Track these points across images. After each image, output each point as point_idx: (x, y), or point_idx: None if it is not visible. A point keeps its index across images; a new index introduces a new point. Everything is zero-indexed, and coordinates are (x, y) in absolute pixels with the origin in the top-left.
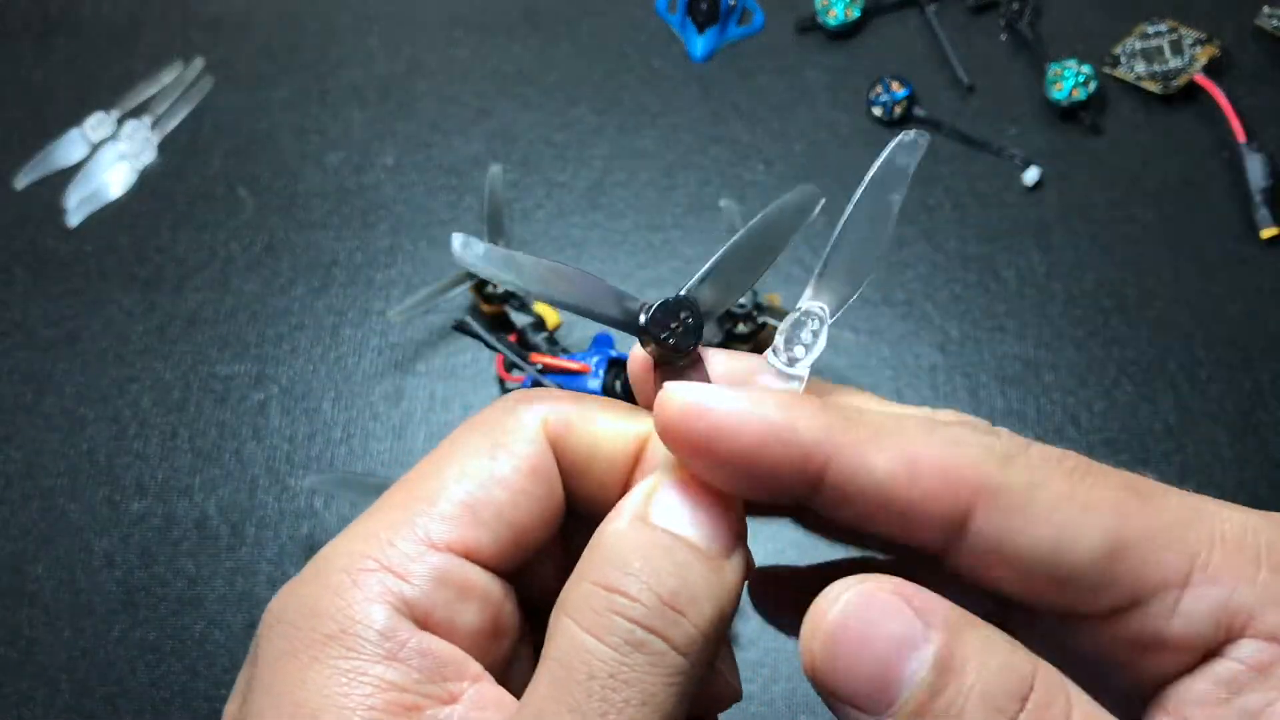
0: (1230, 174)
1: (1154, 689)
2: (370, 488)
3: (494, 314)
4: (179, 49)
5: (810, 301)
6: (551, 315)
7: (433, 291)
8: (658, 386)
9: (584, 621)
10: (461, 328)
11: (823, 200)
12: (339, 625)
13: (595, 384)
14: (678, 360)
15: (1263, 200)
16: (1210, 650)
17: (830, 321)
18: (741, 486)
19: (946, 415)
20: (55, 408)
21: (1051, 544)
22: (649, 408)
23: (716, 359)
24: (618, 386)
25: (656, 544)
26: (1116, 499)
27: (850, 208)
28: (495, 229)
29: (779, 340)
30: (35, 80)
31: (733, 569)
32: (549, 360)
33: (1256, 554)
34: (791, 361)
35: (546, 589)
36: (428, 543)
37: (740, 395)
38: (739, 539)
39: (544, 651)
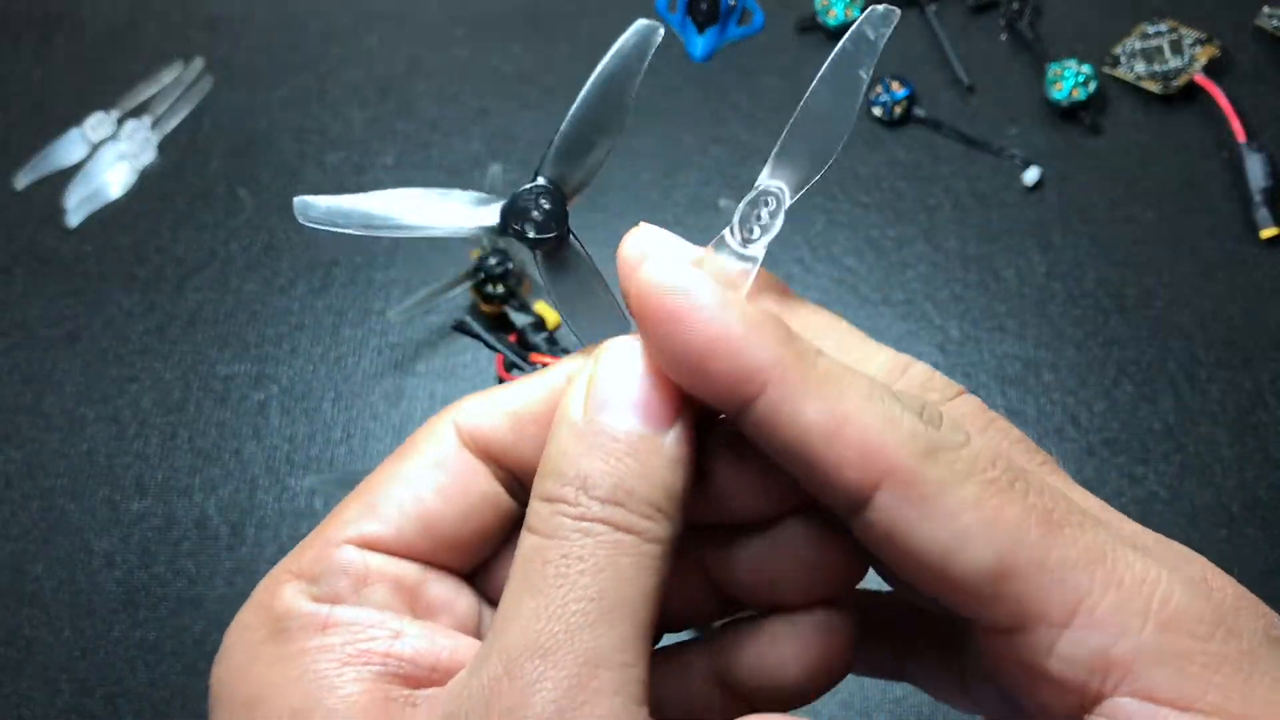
0: (1230, 174)
1: None
2: None
3: (494, 314)
4: (179, 49)
5: (769, 180)
6: (552, 315)
7: (433, 291)
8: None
9: (537, 528)
10: (461, 328)
11: (661, 31)
12: (269, 629)
13: None
14: (546, 250)
15: (1263, 200)
16: (1092, 697)
17: (789, 202)
18: (677, 372)
19: (917, 375)
20: (55, 408)
21: (942, 547)
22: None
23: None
24: None
25: (584, 442)
26: (1022, 522)
27: (815, 83)
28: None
29: (735, 219)
30: (35, 80)
31: (671, 441)
32: (549, 360)
33: (1147, 607)
34: (746, 242)
35: None
36: (331, 543)
37: (709, 290)
38: (674, 408)
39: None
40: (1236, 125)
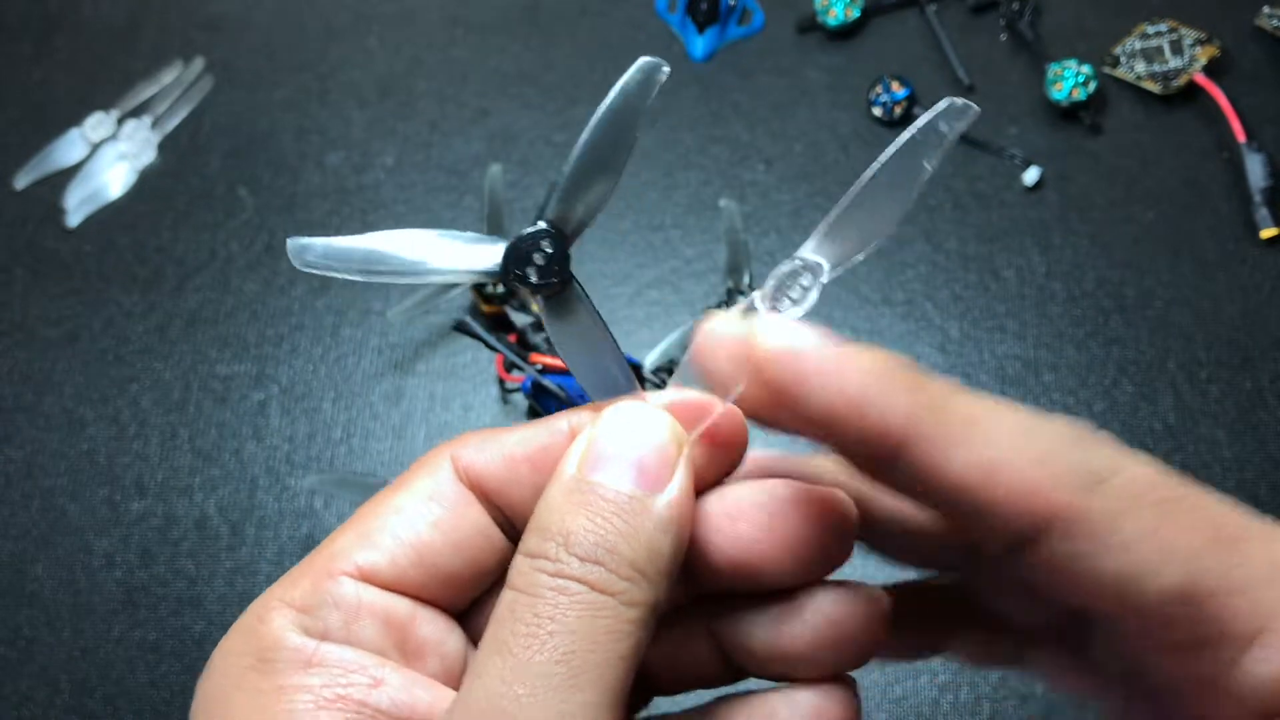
0: (1230, 174)
1: None
2: (370, 488)
3: (494, 314)
4: (179, 49)
5: (811, 253)
6: None
7: (433, 291)
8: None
9: (515, 583)
10: (461, 328)
11: (666, 69)
12: (255, 656)
13: None
14: (548, 294)
15: (1263, 200)
16: (1270, 714)
17: (827, 279)
18: (800, 431)
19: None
20: (55, 408)
21: (1123, 578)
22: (721, 389)
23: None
24: None
25: (573, 500)
26: (1199, 543)
27: (878, 164)
28: (495, 229)
29: (769, 285)
30: (35, 80)
31: (664, 505)
32: (549, 360)
33: None
34: (775, 311)
35: None
36: (326, 573)
37: (837, 351)
38: (670, 471)
39: None
40: (1236, 125)
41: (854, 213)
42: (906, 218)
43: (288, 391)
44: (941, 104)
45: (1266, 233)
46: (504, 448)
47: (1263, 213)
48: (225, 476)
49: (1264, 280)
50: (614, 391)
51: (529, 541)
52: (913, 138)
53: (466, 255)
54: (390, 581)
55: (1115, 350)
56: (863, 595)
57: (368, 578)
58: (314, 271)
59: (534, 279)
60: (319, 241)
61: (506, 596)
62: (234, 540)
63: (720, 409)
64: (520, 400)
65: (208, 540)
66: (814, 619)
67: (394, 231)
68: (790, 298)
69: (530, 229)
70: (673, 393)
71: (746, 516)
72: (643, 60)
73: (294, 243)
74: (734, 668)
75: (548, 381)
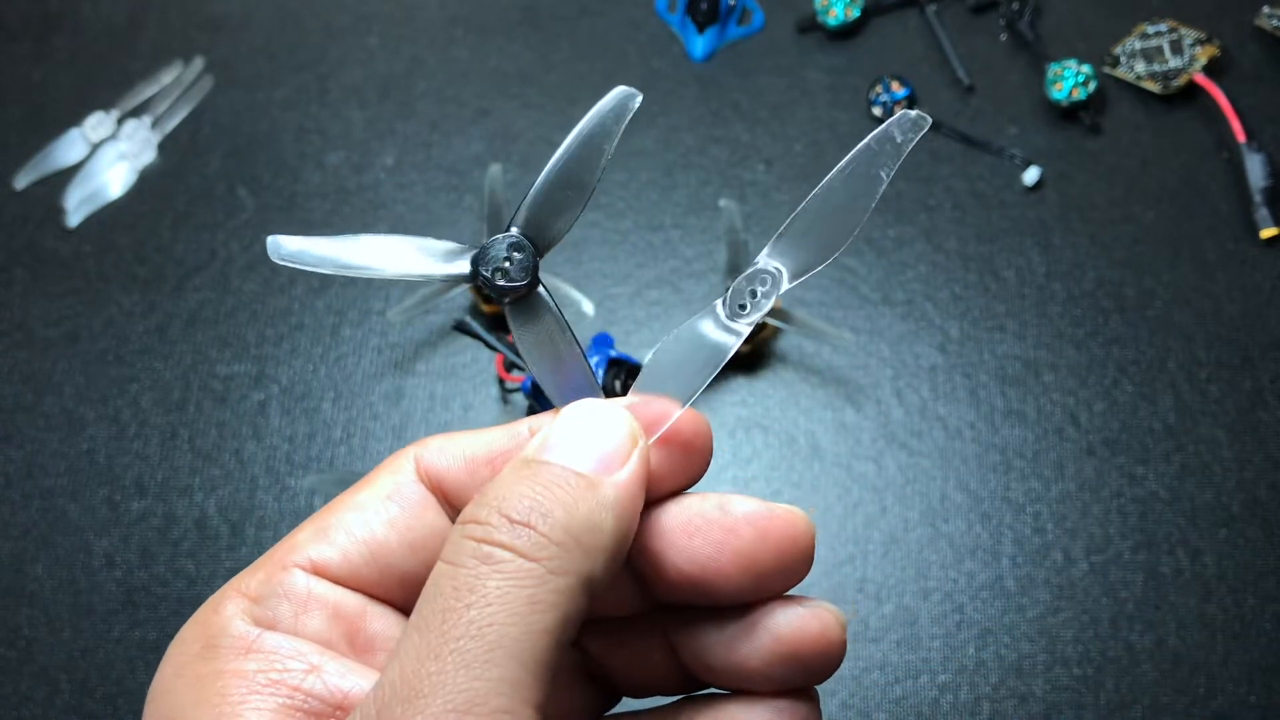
0: (1230, 174)
1: None
2: None
3: (494, 314)
4: (179, 49)
5: (766, 261)
6: None
7: (433, 291)
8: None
9: (445, 555)
10: (461, 328)
11: (639, 98)
12: (201, 644)
13: None
14: (513, 299)
15: (1263, 200)
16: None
17: (785, 288)
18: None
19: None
20: (55, 408)
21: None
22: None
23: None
24: (618, 386)
25: (520, 473)
26: None
27: (832, 173)
28: (495, 229)
29: (729, 292)
30: (35, 80)
31: (611, 485)
32: None
33: None
34: (734, 316)
35: None
36: (280, 566)
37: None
38: (622, 460)
39: None
40: (1236, 125)
41: (811, 221)
42: (863, 229)
43: (288, 391)
44: (896, 114)
45: (1266, 233)
46: (465, 450)
47: (1263, 213)
48: (225, 476)
49: (1264, 280)
50: (577, 397)
51: (465, 510)
52: (868, 146)
53: (437, 262)
54: (342, 576)
55: (1115, 350)
56: (818, 614)
57: (320, 571)
58: (288, 265)
59: (500, 282)
60: (294, 241)
61: (434, 571)
62: (234, 540)
63: (678, 413)
64: (520, 400)
65: (208, 540)
66: (767, 638)
67: (369, 236)
68: (750, 303)
69: (499, 235)
70: (633, 398)
71: (702, 532)
72: (619, 89)
73: (272, 240)
74: (690, 677)
75: None
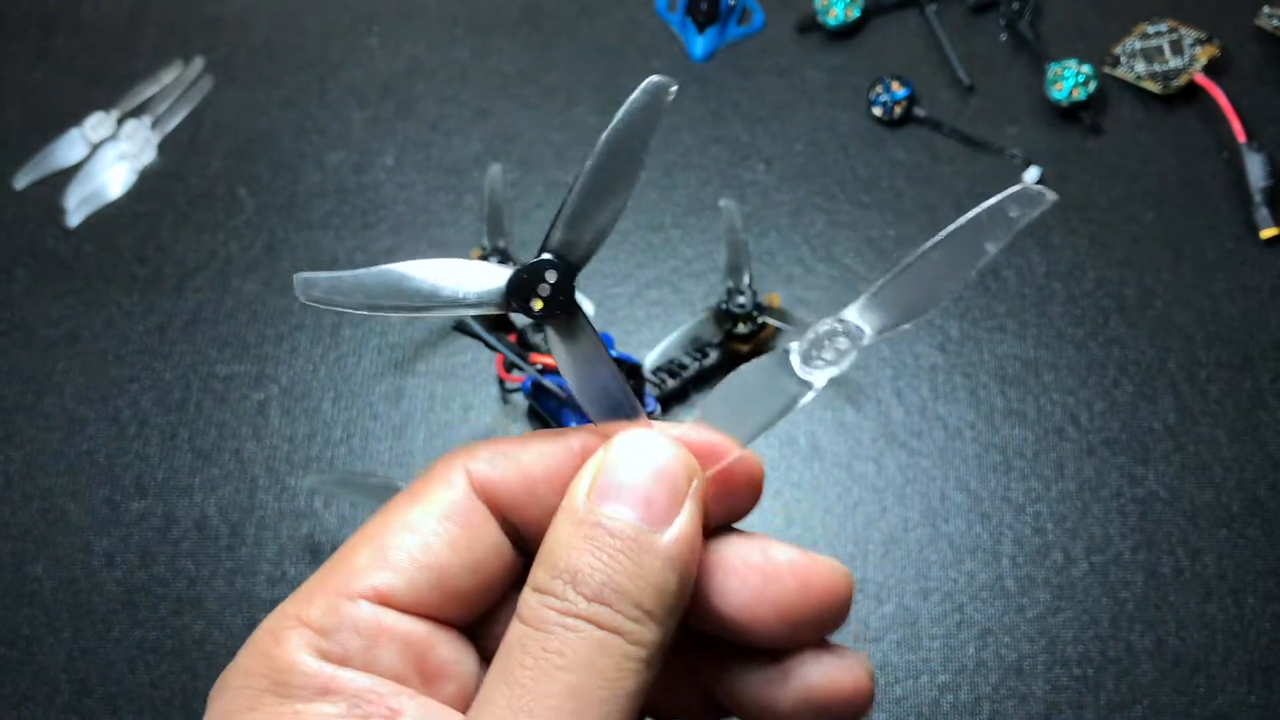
0: (1230, 174)
1: None
2: (370, 488)
3: (494, 314)
4: (179, 49)
5: (855, 317)
6: None
7: None
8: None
9: (524, 617)
10: (461, 328)
11: (675, 88)
12: (270, 679)
13: None
14: (554, 324)
15: (1263, 200)
16: None
17: (867, 343)
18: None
19: None
20: (55, 408)
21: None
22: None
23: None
24: None
25: (581, 534)
26: None
27: (938, 237)
28: (495, 229)
29: (806, 340)
30: (35, 80)
31: (670, 540)
32: (549, 360)
33: None
34: (808, 366)
35: None
36: (343, 595)
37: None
38: (678, 506)
39: None
40: (1236, 125)
41: (905, 282)
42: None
43: (288, 391)
44: (1014, 186)
45: (1266, 233)
46: (520, 464)
47: (1263, 213)
48: (225, 476)
49: (1264, 280)
50: (618, 414)
51: (537, 576)
52: (978, 217)
53: (470, 285)
54: (409, 604)
55: (1115, 350)
56: (851, 668)
57: (385, 600)
58: (319, 306)
59: (537, 310)
60: (324, 276)
61: (515, 629)
62: (234, 540)
63: (738, 453)
64: (520, 400)
65: (208, 540)
66: (799, 686)
67: (398, 264)
68: (825, 358)
69: (533, 260)
70: (689, 428)
71: (742, 576)
72: (651, 79)
73: (300, 278)
74: (719, 710)
75: (548, 381)
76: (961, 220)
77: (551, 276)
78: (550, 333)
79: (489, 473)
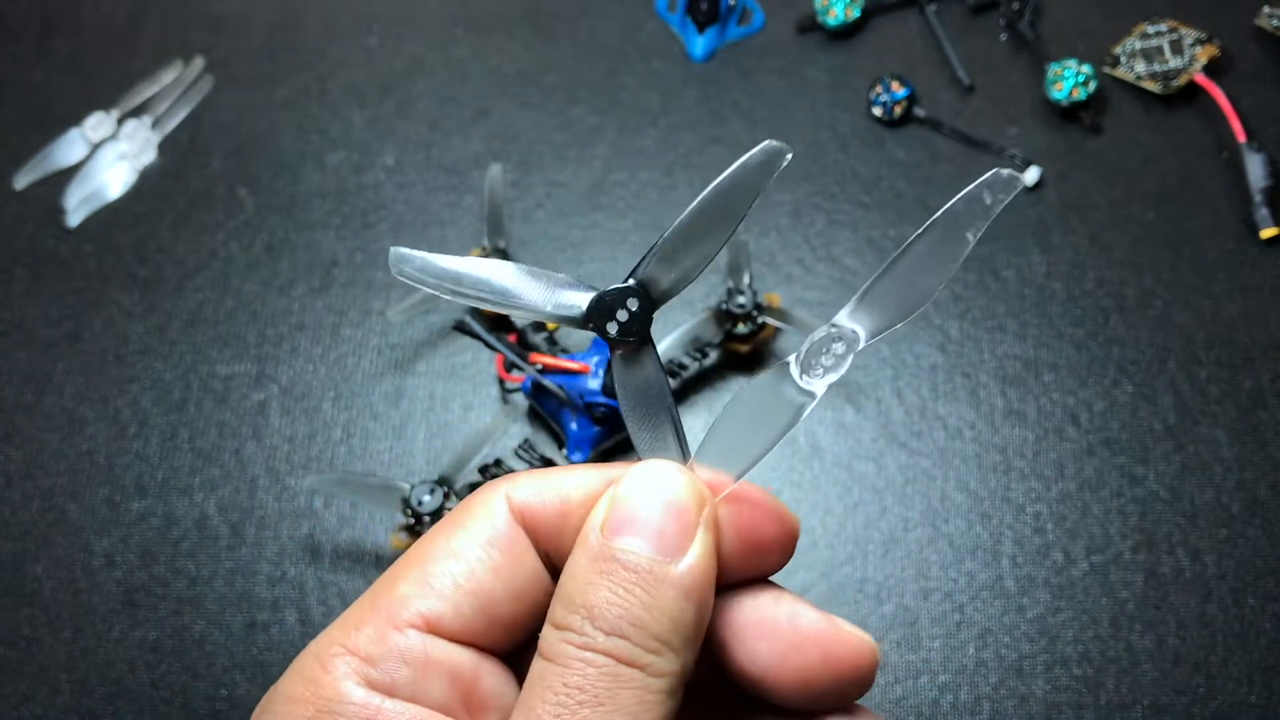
0: (1230, 174)
1: None
2: (370, 488)
3: (494, 314)
4: (179, 49)
5: (846, 321)
6: None
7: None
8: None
9: (544, 652)
10: (461, 328)
11: (789, 155)
12: (315, 707)
13: (595, 384)
14: (623, 351)
15: (1263, 200)
16: None
17: (861, 348)
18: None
19: None
20: (55, 408)
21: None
22: None
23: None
24: None
25: (596, 568)
26: None
27: (917, 234)
28: (495, 229)
29: (803, 351)
30: (35, 80)
31: (684, 571)
32: (549, 360)
33: None
34: (807, 376)
35: None
36: (391, 623)
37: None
38: (691, 536)
39: None
40: (1236, 125)
41: (892, 281)
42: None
43: (288, 391)
44: (987, 174)
45: (1266, 233)
46: (561, 493)
47: (1263, 213)
48: (225, 476)
49: (1264, 280)
50: (663, 453)
51: (556, 612)
52: (954, 208)
53: (553, 296)
54: (455, 631)
55: (1115, 350)
56: None
57: (432, 627)
58: (408, 282)
59: (613, 332)
60: (417, 255)
61: (537, 665)
62: (234, 540)
63: (746, 468)
64: (520, 400)
65: (208, 540)
66: None
67: (489, 260)
68: (823, 365)
69: (619, 285)
70: (708, 472)
71: (768, 639)
72: (767, 143)
73: (395, 253)
74: None
75: (548, 381)
76: (939, 213)
77: (633, 304)
78: (615, 359)
79: (530, 500)
